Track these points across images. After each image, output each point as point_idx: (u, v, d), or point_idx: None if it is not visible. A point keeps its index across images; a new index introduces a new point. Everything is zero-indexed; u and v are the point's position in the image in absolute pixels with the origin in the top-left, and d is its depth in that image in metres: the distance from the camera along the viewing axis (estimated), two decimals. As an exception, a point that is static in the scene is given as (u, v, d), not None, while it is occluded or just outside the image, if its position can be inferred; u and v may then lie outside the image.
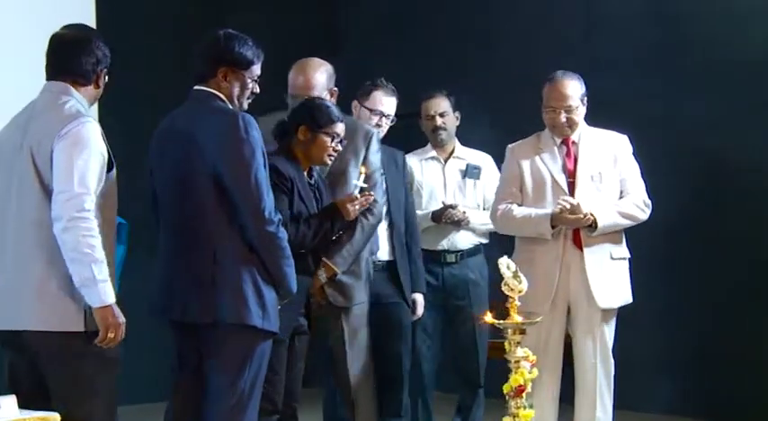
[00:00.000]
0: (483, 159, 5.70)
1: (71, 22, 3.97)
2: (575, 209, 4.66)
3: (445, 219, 5.44)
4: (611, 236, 4.77)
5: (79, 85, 3.76)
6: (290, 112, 4.52)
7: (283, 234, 3.85)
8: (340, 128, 4.43)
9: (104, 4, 6.62)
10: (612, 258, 4.79)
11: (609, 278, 4.77)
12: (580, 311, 4.78)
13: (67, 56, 3.76)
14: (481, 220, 5.48)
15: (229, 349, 3.82)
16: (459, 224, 5.48)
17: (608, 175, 4.80)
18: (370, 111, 5.13)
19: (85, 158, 3.58)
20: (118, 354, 3.71)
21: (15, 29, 5.81)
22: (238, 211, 3.79)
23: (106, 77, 3.83)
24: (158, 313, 4.04)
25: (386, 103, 5.13)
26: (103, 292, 3.55)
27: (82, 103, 3.74)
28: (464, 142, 5.76)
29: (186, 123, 3.90)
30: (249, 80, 3.97)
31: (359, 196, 4.42)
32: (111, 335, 3.57)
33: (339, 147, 4.45)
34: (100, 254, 3.54)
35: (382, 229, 4.95)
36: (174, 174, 3.87)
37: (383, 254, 4.97)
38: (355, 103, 5.19)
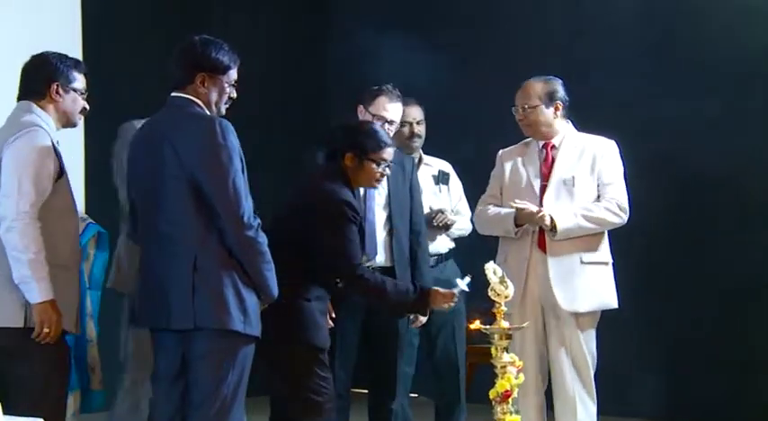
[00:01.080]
0: (447, 167, 5.77)
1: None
2: (530, 210, 4.72)
3: (437, 222, 5.45)
4: (583, 240, 4.77)
5: (37, 101, 4.07)
6: (334, 134, 4.52)
7: (263, 238, 3.83)
8: (388, 153, 4.41)
9: (91, 9, 6.64)
10: (583, 262, 4.77)
11: (576, 282, 4.75)
12: (550, 315, 4.79)
13: (25, 78, 4.14)
14: (458, 225, 5.56)
15: (212, 354, 3.80)
16: (449, 228, 5.50)
17: (582, 180, 4.81)
18: (373, 116, 5.13)
19: (26, 165, 3.88)
20: (66, 354, 4.00)
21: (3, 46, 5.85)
22: (217, 217, 3.78)
23: (62, 93, 4.08)
24: (140, 322, 4.05)
25: (390, 109, 5.10)
26: (39, 289, 3.83)
27: (42, 117, 4.05)
28: (442, 148, 5.80)
29: (163, 130, 3.89)
30: (227, 85, 3.97)
31: (456, 296, 4.31)
32: (46, 329, 3.83)
33: (387, 172, 4.45)
34: (36, 253, 3.82)
35: (382, 235, 4.94)
36: (152, 181, 3.86)
37: (381, 259, 4.94)
38: (360, 107, 5.18)
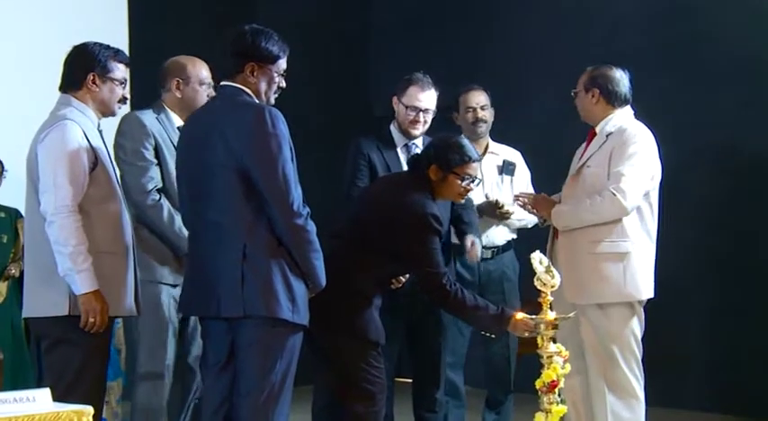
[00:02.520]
0: (515, 155, 5.68)
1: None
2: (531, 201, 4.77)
3: (500, 214, 5.38)
4: (589, 230, 4.68)
5: (74, 92, 4.13)
6: (424, 147, 4.54)
7: (312, 227, 3.85)
8: (472, 168, 4.40)
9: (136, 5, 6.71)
10: (591, 253, 4.68)
11: (581, 273, 4.68)
12: (579, 306, 4.69)
13: (64, 71, 4.18)
14: (518, 216, 5.47)
15: (260, 342, 3.82)
16: (506, 218, 5.44)
17: (594, 169, 4.73)
18: (406, 107, 5.12)
19: (58, 160, 3.95)
20: (107, 341, 4.07)
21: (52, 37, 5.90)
22: (267, 205, 3.80)
23: (99, 83, 4.11)
24: (190, 310, 4.09)
25: (422, 98, 5.10)
26: (81, 281, 3.89)
27: (79, 108, 4.10)
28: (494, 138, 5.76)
29: (213, 119, 3.91)
30: (276, 74, 3.99)
31: (540, 329, 4.16)
32: (92, 319, 3.91)
33: (471, 187, 4.45)
34: (76, 246, 3.89)
35: None
36: (201, 170, 3.88)
37: None
38: (395, 99, 5.17)
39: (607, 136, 4.77)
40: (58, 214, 3.91)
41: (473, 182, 4.43)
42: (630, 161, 4.66)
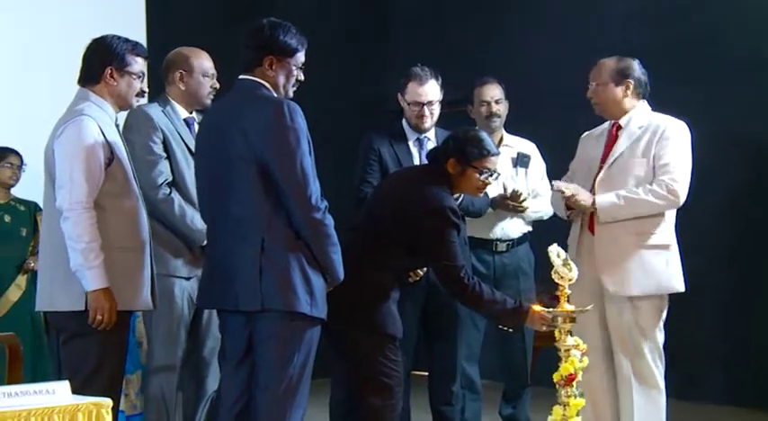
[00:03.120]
0: (530, 148, 5.68)
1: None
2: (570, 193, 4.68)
3: (513, 208, 5.36)
4: (635, 222, 4.67)
5: (92, 86, 4.12)
6: (443, 141, 4.56)
7: (330, 221, 3.86)
8: (491, 162, 4.41)
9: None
10: (636, 245, 4.67)
11: (627, 265, 4.67)
12: (606, 299, 4.71)
13: (83, 65, 4.17)
14: (533, 208, 5.47)
15: (279, 336, 3.84)
16: (522, 211, 5.42)
17: (635, 161, 4.72)
18: (409, 104, 5.13)
19: (74, 157, 3.96)
20: (124, 336, 4.09)
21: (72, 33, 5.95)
22: (285, 199, 3.81)
23: (116, 76, 4.11)
24: (209, 303, 4.11)
25: (422, 92, 5.10)
26: (91, 278, 3.91)
27: (96, 103, 4.10)
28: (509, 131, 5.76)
29: (232, 112, 3.92)
30: (294, 68, 4.00)
31: (558, 322, 4.16)
32: (99, 317, 3.92)
33: (489, 181, 4.45)
34: (89, 243, 3.90)
35: None
36: (221, 164, 3.89)
37: None
38: (399, 96, 5.19)
39: (639, 128, 4.77)
40: (73, 210, 3.93)
41: (491, 175, 4.43)
42: (679, 154, 4.71)
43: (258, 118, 3.83)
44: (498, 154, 4.50)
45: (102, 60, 4.11)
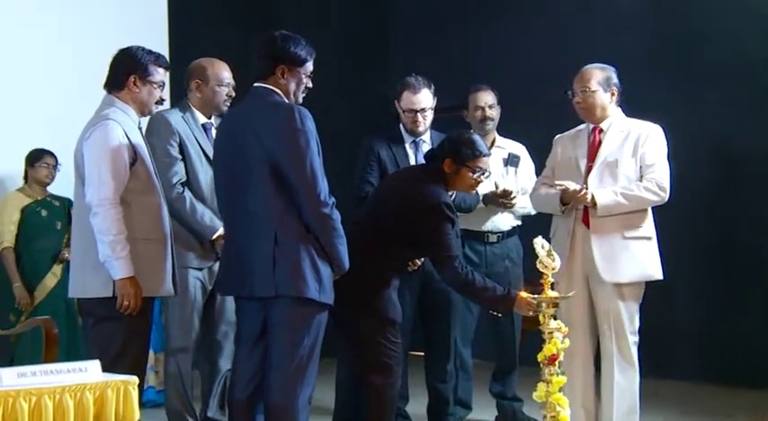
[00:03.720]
0: (520, 149, 5.73)
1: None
2: (570, 189, 4.71)
3: (503, 204, 5.42)
4: (625, 216, 4.75)
5: (117, 92, 4.18)
6: (440, 142, 4.61)
7: (337, 215, 3.92)
8: (483, 162, 4.46)
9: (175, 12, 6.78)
10: (625, 237, 4.76)
11: (618, 255, 4.74)
12: (595, 286, 4.79)
13: (109, 72, 4.23)
14: (522, 204, 5.52)
15: (290, 319, 3.90)
16: (511, 207, 5.48)
17: (625, 162, 4.79)
18: (404, 111, 5.18)
19: (102, 158, 4.01)
20: (147, 320, 4.15)
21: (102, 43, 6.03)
22: (296, 196, 3.86)
23: (139, 84, 4.16)
24: (226, 290, 4.19)
25: (416, 100, 5.13)
26: (119, 267, 3.98)
27: (121, 108, 4.15)
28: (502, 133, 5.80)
29: (247, 117, 3.98)
30: (303, 76, 4.06)
31: (542, 307, 4.20)
32: (126, 303, 3.99)
33: (482, 179, 4.50)
34: (116, 235, 3.97)
35: None
36: (238, 165, 3.95)
37: None
38: (396, 104, 5.23)
39: (621, 131, 4.83)
40: (101, 206, 3.99)
41: (484, 174, 4.48)
42: (662, 155, 4.82)
43: (271, 122, 3.89)
44: (490, 155, 4.55)
45: (127, 69, 4.17)
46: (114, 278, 3.99)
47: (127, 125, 4.12)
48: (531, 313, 4.27)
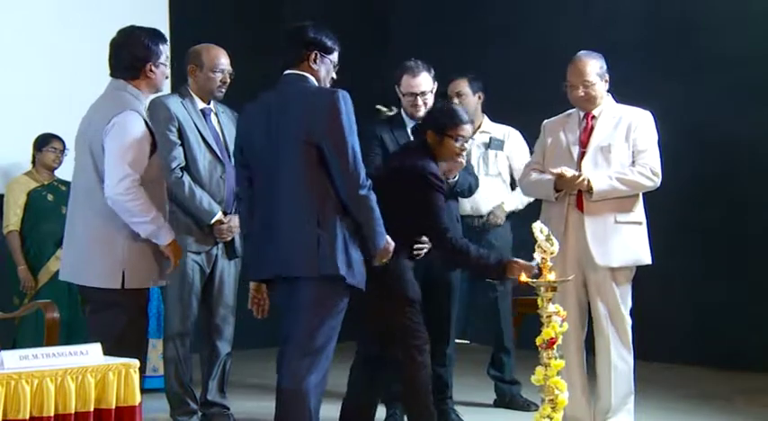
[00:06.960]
0: (508, 132, 5.71)
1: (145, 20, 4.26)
2: (566, 175, 4.66)
3: (491, 223, 5.52)
4: (618, 201, 4.72)
5: (131, 79, 4.09)
6: (423, 116, 4.60)
7: (373, 196, 3.90)
8: (464, 129, 4.43)
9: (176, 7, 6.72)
10: (617, 222, 4.72)
11: (610, 239, 4.71)
12: (588, 270, 4.75)
13: (117, 56, 4.12)
14: (514, 204, 5.59)
15: (320, 298, 3.86)
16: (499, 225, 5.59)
17: (618, 147, 4.75)
18: (404, 95, 5.12)
19: (126, 149, 3.96)
20: (144, 309, 4.18)
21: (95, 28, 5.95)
22: (336, 177, 3.84)
23: (154, 70, 4.09)
24: (259, 272, 4.07)
25: (415, 84, 5.06)
26: (165, 234, 4.06)
27: (135, 95, 4.08)
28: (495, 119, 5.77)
29: (285, 101, 3.94)
30: (332, 64, 4.05)
31: (535, 270, 4.17)
32: (176, 260, 4.14)
33: (465, 147, 4.48)
34: (155, 212, 4.00)
35: None
36: (276, 148, 3.90)
37: None
38: (397, 88, 5.18)
39: (613, 117, 4.79)
40: (130, 192, 3.95)
41: (466, 142, 4.47)
42: (653, 141, 4.79)
43: (315, 106, 3.87)
44: (469, 122, 4.49)
45: (141, 58, 4.09)
46: (163, 244, 4.05)
47: (143, 113, 4.08)
48: (523, 277, 4.19)
